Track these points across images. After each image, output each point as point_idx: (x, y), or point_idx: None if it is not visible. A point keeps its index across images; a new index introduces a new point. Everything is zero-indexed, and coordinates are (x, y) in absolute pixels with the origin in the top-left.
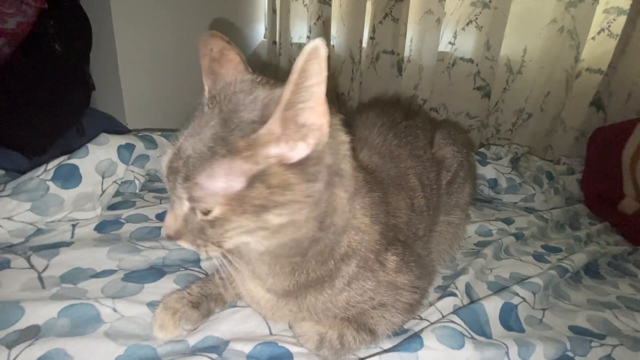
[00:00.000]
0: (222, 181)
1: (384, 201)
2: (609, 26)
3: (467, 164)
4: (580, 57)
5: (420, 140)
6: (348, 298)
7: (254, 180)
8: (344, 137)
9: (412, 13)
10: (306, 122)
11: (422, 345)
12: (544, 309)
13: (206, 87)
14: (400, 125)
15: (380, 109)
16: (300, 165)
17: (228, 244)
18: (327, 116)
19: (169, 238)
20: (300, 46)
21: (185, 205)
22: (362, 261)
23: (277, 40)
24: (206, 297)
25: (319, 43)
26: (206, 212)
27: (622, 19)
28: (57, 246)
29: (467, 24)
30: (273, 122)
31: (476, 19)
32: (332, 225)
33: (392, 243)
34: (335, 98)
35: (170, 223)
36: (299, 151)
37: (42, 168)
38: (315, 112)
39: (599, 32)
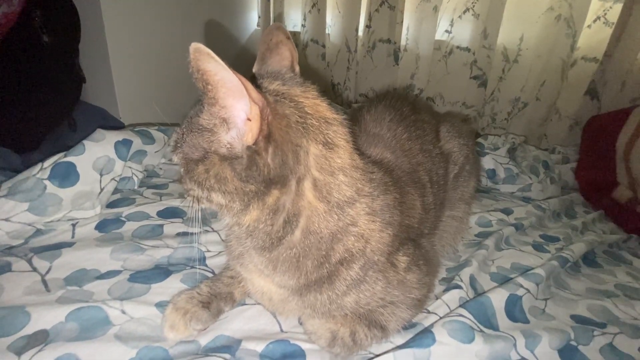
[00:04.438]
0: (186, 145)
1: (400, 202)
2: (605, 14)
3: (473, 157)
4: (576, 46)
5: (429, 134)
6: (357, 299)
7: (203, 158)
8: (313, 148)
9: (409, 0)
10: (225, 116)
11: (434, 340)
12: (546, 299)
13: (253, 70)
14: (409, 118)
15: (388, 102)
16: (232, 162)
17: (201, 202)
18: (248, 104)
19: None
20: (295, 35)
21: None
22: (368, 264)
23: None
24: (216, 296)
25: (194, 45)
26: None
27: (618, 7)
28: (58, 247)
29: (464, 12)
30: (204, 114)
31: (473, 6)
32: (307, 231)
33: (404, 243)
34: (330, 88)
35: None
36: (225, 142)
37: (38, 167)
38: (229, 101)
39: (595, 20)
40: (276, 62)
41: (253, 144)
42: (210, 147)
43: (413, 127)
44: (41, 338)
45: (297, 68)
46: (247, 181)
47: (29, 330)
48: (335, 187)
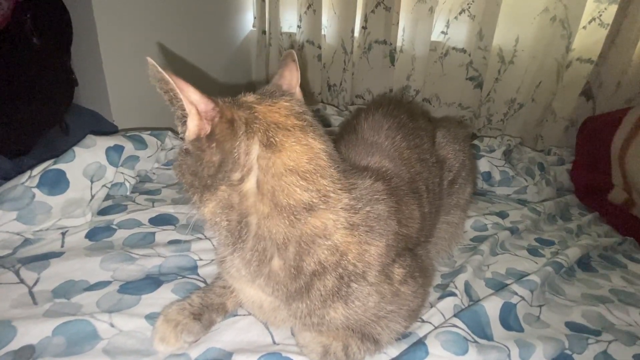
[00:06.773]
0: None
1: (396, 210)
2: (600, 15)
3: (469, 163)
4: (572, 47)
5: (426, 142)
6: (347, 315)
7: (179, 153)
8: (255, 149)
9: (405, 2)
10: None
11: (427, 353)
12: (540, 306)
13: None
14: (407, 127)
15: (385, 110)
16: (186, 156)
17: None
18: (189, 103)
19: None
20: (291, 36)
21: None
22: (349, 277)
23: (266, 29)
24: (207, 307)
25: (148, 59)
26: None
27: (614, 8)
28: (47, 257)
29: (460, 13)
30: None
31: (469, 7)
32: (257, 235)
33: (401, 254)
34: (326, 89)
35: None
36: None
37: (26, 174)
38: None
39: (590, 22)
40: (285, 83)
41: (195, 140)
42: (182, 144)
43: (411, 136)
44: (27, 353)
45: (297, 89)
46: (196, 175)
47: (15, 345)
48: (282, 190)
